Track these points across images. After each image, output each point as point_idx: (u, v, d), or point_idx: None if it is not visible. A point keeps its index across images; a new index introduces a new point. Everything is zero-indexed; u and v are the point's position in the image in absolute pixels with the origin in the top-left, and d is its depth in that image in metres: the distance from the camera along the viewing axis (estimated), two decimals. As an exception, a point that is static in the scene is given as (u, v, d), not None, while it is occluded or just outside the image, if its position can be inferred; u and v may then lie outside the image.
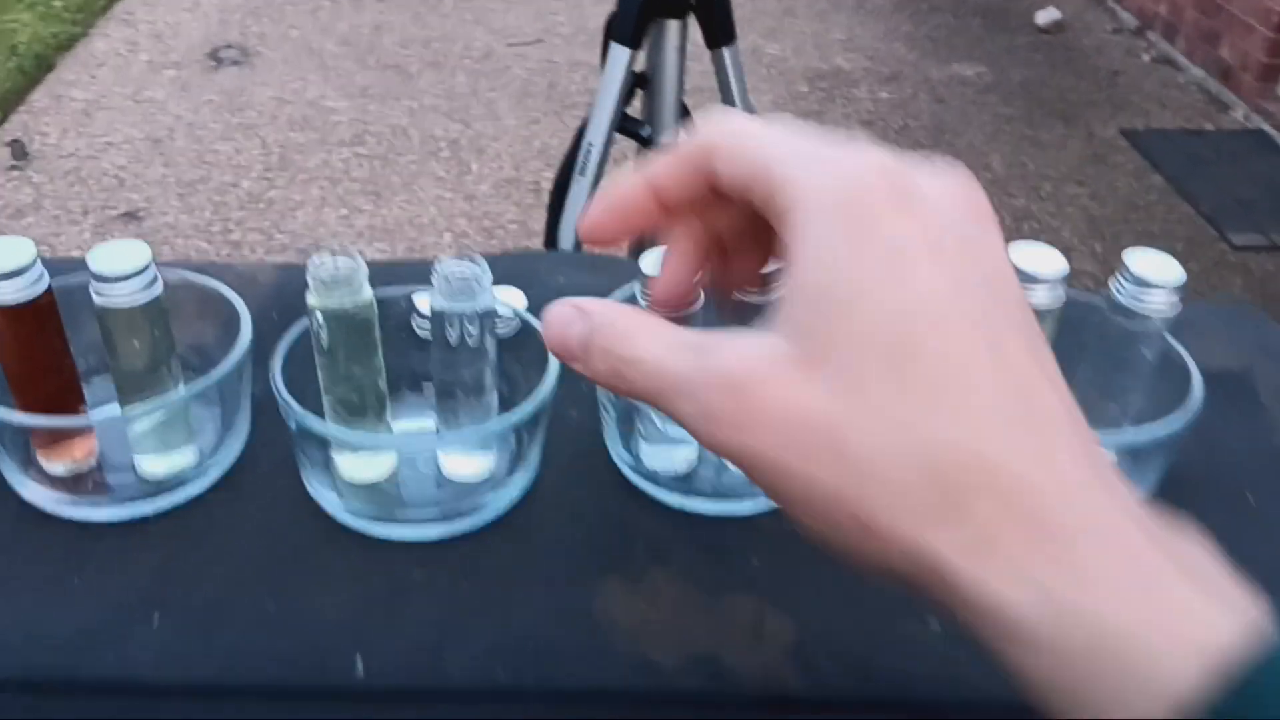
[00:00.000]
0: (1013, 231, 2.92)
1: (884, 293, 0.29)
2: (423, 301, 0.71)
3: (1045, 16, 4.31)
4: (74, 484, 0.58)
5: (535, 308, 0.75)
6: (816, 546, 0.31)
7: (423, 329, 0.67)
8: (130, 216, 2.94)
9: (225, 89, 3.60)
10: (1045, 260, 0.56)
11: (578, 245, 1.63)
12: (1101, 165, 3.35)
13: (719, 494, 0.60)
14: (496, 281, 0.77)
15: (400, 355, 0.66)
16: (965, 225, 0.31)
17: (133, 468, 0.59)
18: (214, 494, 0.60)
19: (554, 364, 0.60)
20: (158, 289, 0.56)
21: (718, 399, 0.30)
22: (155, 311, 0.56)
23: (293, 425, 0.56)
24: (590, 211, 0.38)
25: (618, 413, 0.61)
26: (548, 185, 1.81)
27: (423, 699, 0.51)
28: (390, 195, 3.06)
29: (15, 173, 3.10)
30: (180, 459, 0.60)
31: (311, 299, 0.55)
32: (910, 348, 0.28)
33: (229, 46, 3.91)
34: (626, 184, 0.37)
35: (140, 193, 3.04)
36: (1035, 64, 4.02)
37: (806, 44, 4.10)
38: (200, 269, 0.79)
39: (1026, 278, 0.56)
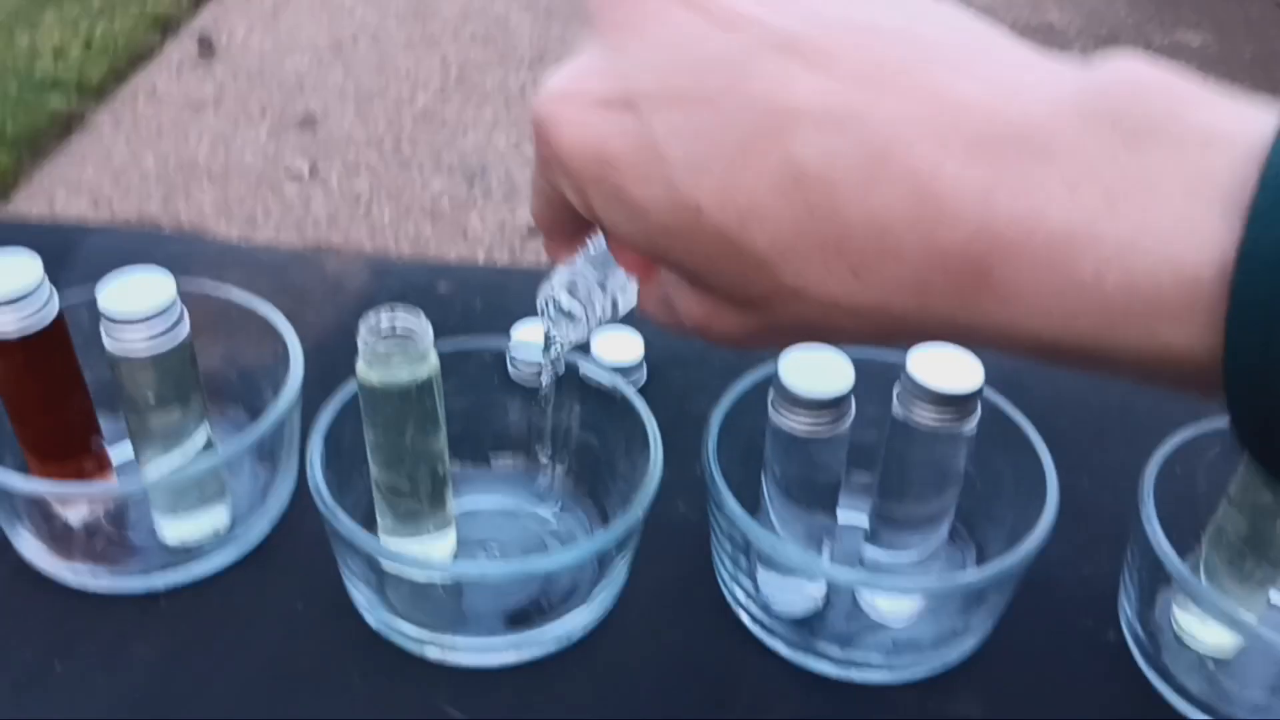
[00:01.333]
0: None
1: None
2: (526, 334, 0.59)
3: (1292, -17, 3.88)
4: (76, 544, 0.49)
5: (655, 353, 0.62)
6: None
7: (522, 372, 0.55)
8: (306, 122, 2.92)
9: (412, -3, 3.53)
10: None
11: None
12: (1339, 158, 3.01)
13: (846, 647, 0.48)
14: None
15: (483, 409, 0.55)
16: None
17: (152, 530, 0.50)
18: (242, 568, 0.51)
19: (655, 465, 0.47)
20: (183, 331, 0.46)
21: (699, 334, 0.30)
22: (178, 359, 0.46)
23: (331, 531, 0.45)
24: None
25: (733, 529, 0.49)
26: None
27: None
28: (563, 124, 2.95)
29: (200, 67, 3.10)
30: (207, 523, 0.50)
31: (362, 370, 0.44)
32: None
33: (422, -48, 3.83)
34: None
35: (319, 98, 3.01)
36: (1269, 38, 3.64)
37: (1021, -7, 3.80)
38: (281, 260, 0.69)
39: None
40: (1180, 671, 0.47)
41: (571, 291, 0.36)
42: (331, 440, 0.48)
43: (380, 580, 0.48)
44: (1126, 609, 0.49)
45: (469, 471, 0.55)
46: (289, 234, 2.42)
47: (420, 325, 0.44)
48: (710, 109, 0.25)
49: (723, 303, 0.28)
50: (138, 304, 0.44)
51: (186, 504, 0.49)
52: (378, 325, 0.44)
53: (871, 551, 0.50)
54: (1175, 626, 0.49)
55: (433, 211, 2.59)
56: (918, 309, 0.25)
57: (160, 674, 0.46)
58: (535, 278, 0.69)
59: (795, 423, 0.44)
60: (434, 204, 2.62)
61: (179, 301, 0.45)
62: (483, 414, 0.55)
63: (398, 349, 0.44)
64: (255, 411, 0.52)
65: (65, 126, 2.71)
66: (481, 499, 0.54)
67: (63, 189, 2.48)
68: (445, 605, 0.49)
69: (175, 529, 0.50)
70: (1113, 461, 0.52)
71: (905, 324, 0.25)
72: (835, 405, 0.44)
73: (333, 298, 0.64)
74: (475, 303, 0.65)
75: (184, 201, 2.55)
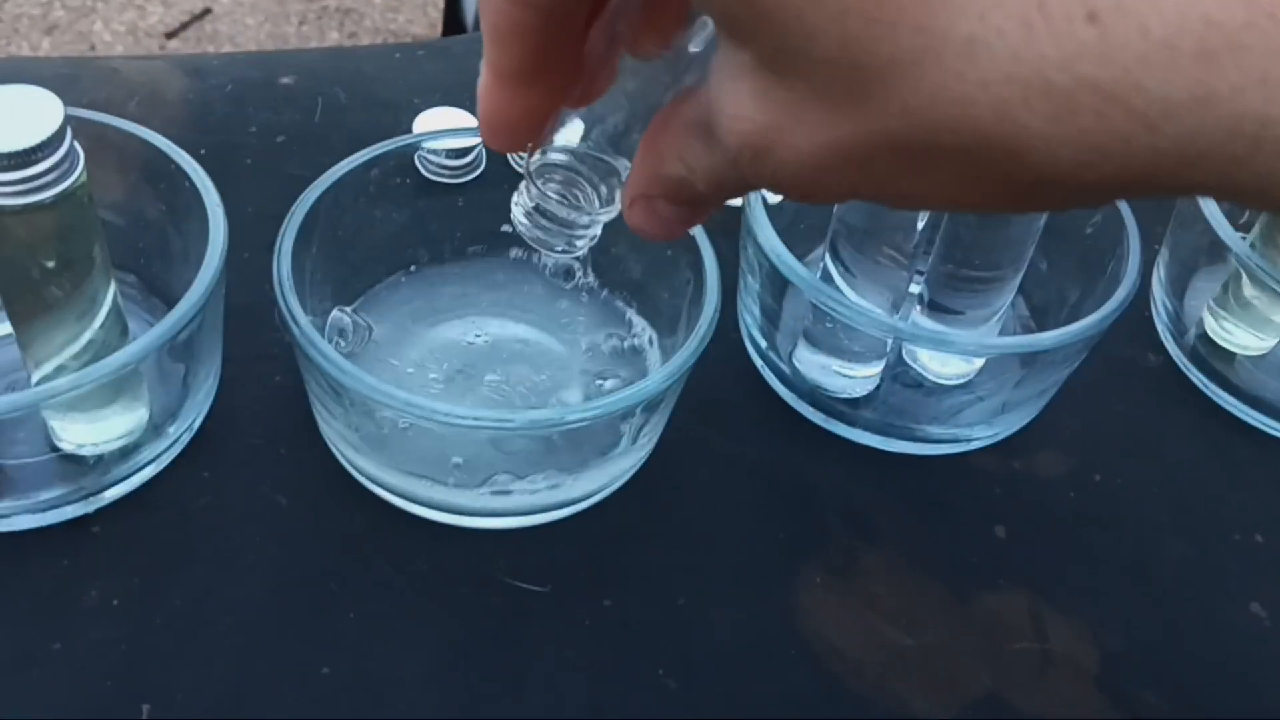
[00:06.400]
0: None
1: None
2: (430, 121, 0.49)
3: None
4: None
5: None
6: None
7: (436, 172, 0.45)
8: None
9: None
10: None
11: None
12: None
13: (915, 426, 0.43)
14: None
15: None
16: None
17: (46, 439, 0.37)
18: (175, 473, 0.39)
19: (712, 296, 0.39)
20: (75, 175, 0.32)
21: (752, 162, 0.20)
22: (73, 209, 0.33)
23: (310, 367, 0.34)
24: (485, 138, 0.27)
25: (767, 307, 0.41)
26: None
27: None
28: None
29: None
30: (122, 423, 0.37)
31: None
32: None
33: None
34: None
35: None
36: None
37: None
38: (66, 70, 0.53)
39: None
40: (1218, 368, 0.46)
41: (565, 192, 0.25)
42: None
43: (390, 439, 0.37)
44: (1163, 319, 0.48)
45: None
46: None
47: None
48: None
49: (806, 95, 0.18)
50: (19, 134, 0.30)
51: (102, 399, 0.36)
52: None
53: (928, 320, 0.44)
54: (1211, 333, 0.47)
55: (47, 23, 2.24)
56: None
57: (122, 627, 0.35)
58: (398, 58, 0.57)
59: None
60: (46, 13, 2.26)
61: (69, 125, 0.32)
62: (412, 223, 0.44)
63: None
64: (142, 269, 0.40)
65: None
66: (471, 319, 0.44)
67: None
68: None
69: (79, 433, 0.37)
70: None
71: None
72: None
73: (155, 110, 0.50)
74: (338, 95, 0.52)
75: None
